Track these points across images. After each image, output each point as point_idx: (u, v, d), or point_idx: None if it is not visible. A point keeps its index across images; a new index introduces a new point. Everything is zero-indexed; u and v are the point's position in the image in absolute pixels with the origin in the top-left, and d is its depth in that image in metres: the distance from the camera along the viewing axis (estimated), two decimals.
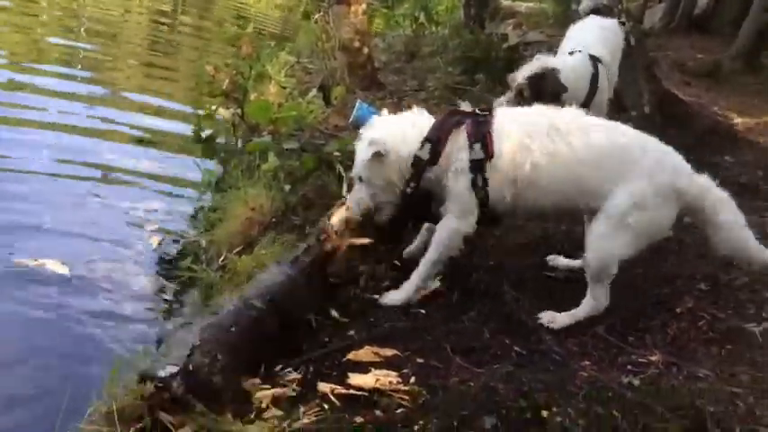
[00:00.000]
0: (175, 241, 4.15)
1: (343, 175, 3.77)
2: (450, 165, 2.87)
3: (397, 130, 2.94)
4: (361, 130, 3.06)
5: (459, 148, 2.85)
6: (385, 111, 3.22)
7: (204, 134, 4.49)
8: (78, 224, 4.20)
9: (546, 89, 3.89)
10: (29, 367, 3.01)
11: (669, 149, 2.93)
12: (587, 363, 2.63)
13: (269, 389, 2.39)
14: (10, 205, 4.24)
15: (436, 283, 3.07)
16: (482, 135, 2.82)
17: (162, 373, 2.08)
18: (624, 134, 2.90)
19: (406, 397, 2.36)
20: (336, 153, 3.85)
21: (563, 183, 2.82)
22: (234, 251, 3.47)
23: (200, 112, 4.57)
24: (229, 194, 4.02)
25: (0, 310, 3.36)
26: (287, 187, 3.91)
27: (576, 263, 3.25)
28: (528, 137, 2.80)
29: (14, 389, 2.88)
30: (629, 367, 2.61)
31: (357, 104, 4.95)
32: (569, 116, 2.91)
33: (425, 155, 2.88)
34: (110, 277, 3.71)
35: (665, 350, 2.71)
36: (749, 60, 8.83)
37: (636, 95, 5.47)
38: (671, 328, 2.85)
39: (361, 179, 3.00)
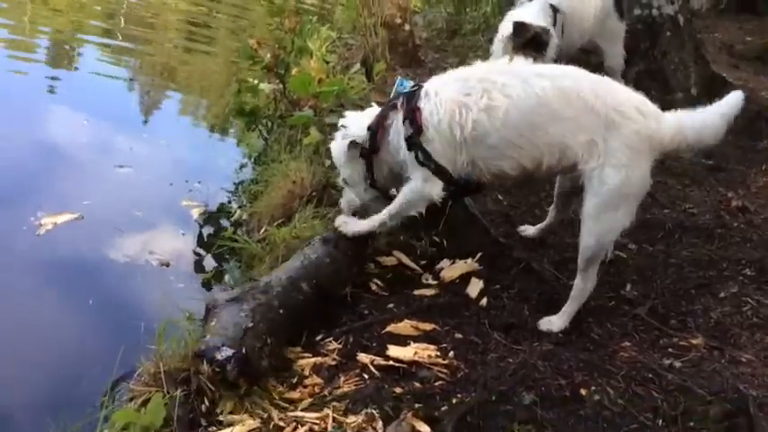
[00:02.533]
0: (217, 211, 4.21)
1: None
2: (396, 148, 2.82)
3: (360, 123, 2.93)
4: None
5: (396, 130, 2.81)
6: None
7: (246, 107, 4.53)
8: (121, 192, 4.28)
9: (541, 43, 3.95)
10: (77, 326, 3.12)
11: (626, 90, 2.66)
12: (627, 344, 2.62)
13: (310, 357, 2.43)
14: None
15: (474, 265, 3.06)
16: (411, 111, 2.73)
17: (219, 357, 2.12)
18: (570, 77, 2.62)
19: (445, 370, 2.39)
20: None
21: (515, 138, 2.60)
22: (275, 224, 3.52)
23: (242, 84, 4.56)
24: (271, 168, 4.05)
25: (47, 269, 3.46)
26: (327, 162, 3.92)
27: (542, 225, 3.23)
28: (462, 95, 2.63)
29: (67, 346, 2.97)
30: (670, 350, 2.59)
31: (398, 81, 4.91)
32: (503, 66, 2.75)
33: (366, 144, 2.88)
34: (152, 243, 3.79)
35: (707, 334, 2.68)
36: None
37: (683, 76, 5.34)
38: (714, 313, 2.82)
39: (345, 181, 3.04)
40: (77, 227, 3.75)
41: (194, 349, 2.18)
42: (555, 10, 4.31)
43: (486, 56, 4.78)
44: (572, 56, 4.59)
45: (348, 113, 3.08)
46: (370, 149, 2.89)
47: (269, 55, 5.08)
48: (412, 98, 2.77)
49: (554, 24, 4.26)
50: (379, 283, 2.96)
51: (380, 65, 5.06)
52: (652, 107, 2.60)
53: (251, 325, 2.28)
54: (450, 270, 3.04)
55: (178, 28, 9.33)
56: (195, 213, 4.17)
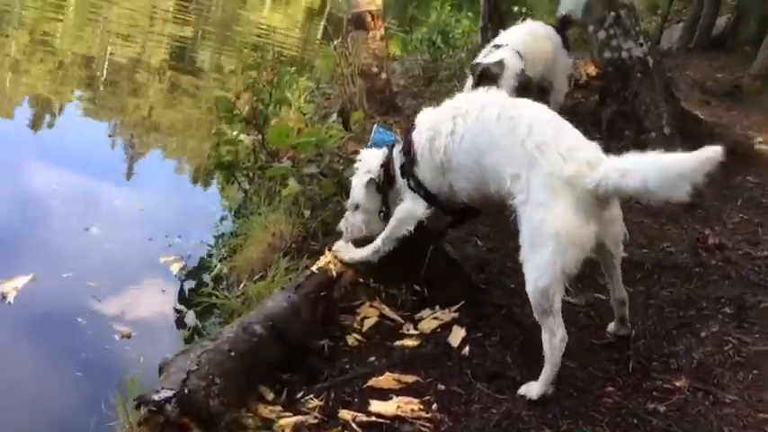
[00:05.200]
0: (197, 268, 4.18)
1: None
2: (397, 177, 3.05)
3: (375, 160, 3.15)
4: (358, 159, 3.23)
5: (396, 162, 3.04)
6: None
7: (225, 160, 4.54)
8: (101, 248, 4.24)
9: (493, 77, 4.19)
10: (46, 386, 3.06)
11: (564, 131, 2.57)
12: (611, 389, 2.61)
13: (291, 416, 2.39)
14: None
15: (454, 314, 3.05)
16: (407, 142, 2.96)
17: (156, 397, 2.09)
18: (518, 109, 2.66)
19: (429, 424, 2.36)
20: None
21: (467, 162, 2.73)
22: (254, 277, 3.50)
23: (221, 137, 4.59)
24: (250, 221, 4.04)
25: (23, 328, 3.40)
26: (307, 213, 3.93)
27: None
28: (438, 122, 2.83)
29: (34, 407, 2.92)
30: (654, 393, 2.58)
31: (374, 128, 4.98)
32: (475, 95, 2.88)
33: (380, 179, 3.08)
34: (131, 303, 3.74)
35: (690, 375, 2.67)
36: None
37: (656, 116, 5.43)
38: (696, 353, 2.81)
39: (357, 206, 3.17)
40: (47, 292, 3.69)
41: (135, 399, 2.16)
42: (519, 55, 4.50)
43: None
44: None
45: (363, 152, 3.27)
46: (386, 183, 3.08)
47: (247, 108, 5.13)
48: (409, 131, 3.00)
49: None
50: (358, 337, 2.93)
51: (357, 114, 5.12)
52: (586, 151, 2.49)
53: (195, 368, 2.28)
54: (432, 320, 3.02)
55: (161, 78, 9.43)
56: (174, 269, 4.14)
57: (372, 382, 2.56)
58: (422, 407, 2.43)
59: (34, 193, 4.90)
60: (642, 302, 3.22)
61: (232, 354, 2.41)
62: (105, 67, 9.19)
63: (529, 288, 2.50)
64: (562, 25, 5.09)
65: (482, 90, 2.90)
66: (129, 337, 3.54)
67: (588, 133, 5.54)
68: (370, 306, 3.10)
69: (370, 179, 3.08)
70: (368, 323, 3.01)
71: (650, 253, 3.64)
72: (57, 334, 3.45)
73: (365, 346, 2.89)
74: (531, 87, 4.37)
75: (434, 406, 2.46)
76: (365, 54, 5.77)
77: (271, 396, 2.45)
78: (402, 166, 2.99)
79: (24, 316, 3.51)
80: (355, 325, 2.99)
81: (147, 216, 4.82)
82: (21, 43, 9.12)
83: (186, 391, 2.16)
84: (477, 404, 2.49)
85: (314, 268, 2.99)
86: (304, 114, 6.12)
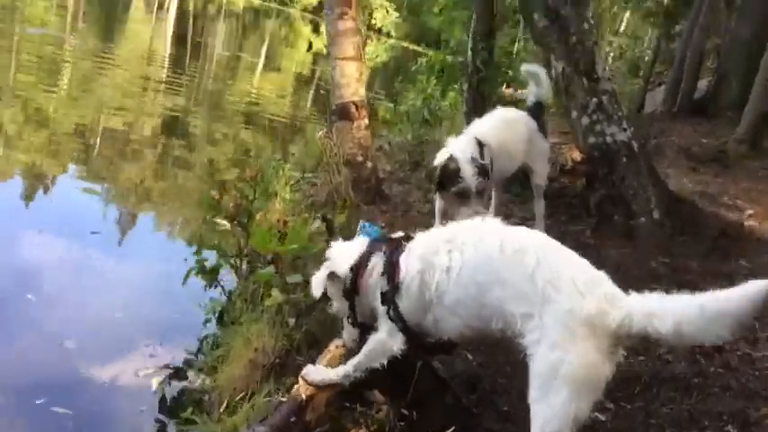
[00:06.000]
0: (179, 379, 4.02)
1: None
2: (373, 294, 2.80)
3: (344, 258, 2.92)
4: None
5: (373, 280, 2.80)
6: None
7: (207, 266, 4.46)
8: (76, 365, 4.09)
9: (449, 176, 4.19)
10: None
11: (576, 262, 2.42)
12: None
13: None
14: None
15: None
16: (391, 266, 2.72)
17: None
18: (520, 239, 2.48)
19: None
20: None
21: (464, 298, 2.52)
22: (237, 397, 3.36)
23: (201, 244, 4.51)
24: (232, 330, 3.91)
25: None
26: (291, 321, 3.81)
27: None
28: (431, 254, 2.60)
29: None
30: None
31: (360, 225, 4.92)
32: (472, 224, 2.68)
33: (348, 284, 2.86)
34: (107, 424, 3.57)
35: None
36: (754, 144, 8.77)
37: (644, 201, 5.41)
38: None
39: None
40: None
41: None
42: (480, 144, 4.45)
43: None
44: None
45: (336, 244, 3.07)
46: (351, 290, 2.87)
47: (231, 204, 5.08)
48: (395, 250, 2.76)
49: (481, 156, 4.40)
50: None
51: (341, 216, 5.06)
52: (603, 285, 2.34)
53: None
54: None
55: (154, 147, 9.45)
56: (154, 384, 3.98)
57: None
58: None
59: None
60: (642, 421, 3.09)
61: None
62: (98, 137, 9.25)
63: (535, 430, 2.32)
64: (536, 110, 5.09)
65: (477, 218, 2.73)
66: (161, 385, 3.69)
67: (578, 218, 5.65)
68: None
69: (331, 273, 2.87)
70: None
71: (647, 361, 3.51)
72: None
73: None
74: (488, 174, 4.31)
75: None
76: (350, 144, 5.77)
77: None
78: (383, 293, 2.74)
79: None
80: None
81: (127, 319, 4.66)
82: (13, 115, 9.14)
83: None
84: None
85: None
86: (290, 204, 6.09)
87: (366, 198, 5.83)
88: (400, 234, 2.90)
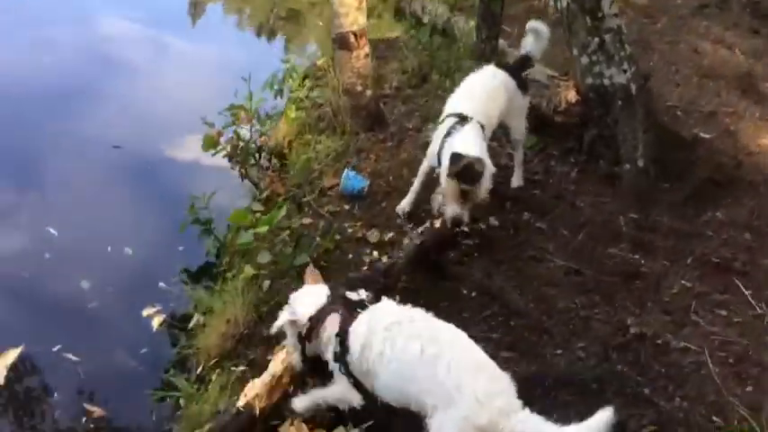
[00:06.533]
0: (173, 327, 4.72)
1: None
2: (325, 349, 3.21)
3: (306, 306, 3.29)
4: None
5: (328, 339, 3.18)
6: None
7: (201, 218, 5.00)
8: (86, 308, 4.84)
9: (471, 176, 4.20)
10: None
11: (484, 369, 2.81)
12: None
13: None
14: None
15: None
16: (345, 331, 3.10)
17: None
18: (439, 343, 2.86)
19: None
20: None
21: (393, 384, 2.96)
22: (210, 363, 4.04)
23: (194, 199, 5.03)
24: (216, 293, 4.50)
25: None
26: (266, 284, 4.39)
27: None
28: (372, 334, 2.99)
29: None
30: None
31: (345, 173, 5.27)
32: (404, 315, 3.05)
33: (303, 333, 3.25)
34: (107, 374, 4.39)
35: None
36: None
37: (632, 147, 5.43)
38: None
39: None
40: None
41: None
42: (481, 126, 4.54)
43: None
44: None
45: (301, 290, 3.46)
46: (305, 337, 3.28)
47: (229, 146, 5.50)
48: (348, 318, 3.14)
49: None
50: None
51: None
52: (500, 398, 2.69)
53: None
54: None
55: None
56: (155, 324, 4.71)
57: None
58: None
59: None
60: None
61: None
62: None
63: None
64: (520, 64, 5.09)
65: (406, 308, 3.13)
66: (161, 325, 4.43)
67: (568, 153, 5.75)
68: None
69: (291, 320, 3.29)
70: None
71: (562, 357, 3.93)
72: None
73: None
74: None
75: None
76: (349, 73, 5.89)
77: None
78: (335, 353, 3.15)
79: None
80: None
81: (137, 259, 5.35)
82: None
83: None
84: None
85: (239, 404, 3.37)
86: (294, 122, 6.41)
87: (365, 125, 6.05)
88: (357, 297, 3.26)
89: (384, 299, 3.26)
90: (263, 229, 4.26)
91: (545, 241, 4.83)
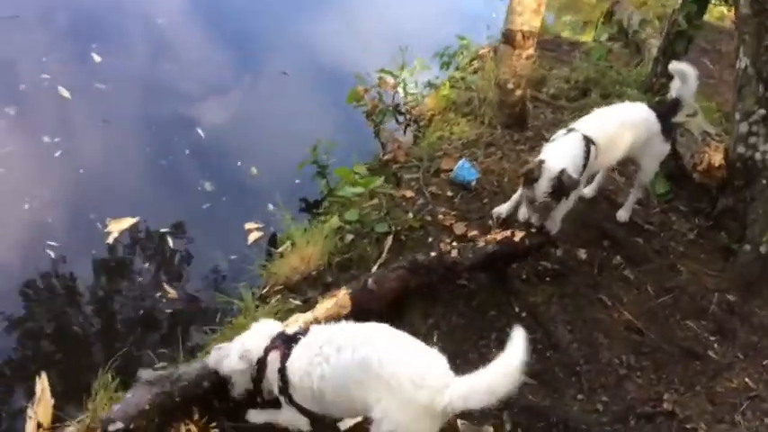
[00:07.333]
0: (270, 242, 5.26)
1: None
2: (272, 384, 3.38)
3: (256, 347, 3.40)
4: None
5: (272, 371, 3.33)
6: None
7: (320, 168, 5.49)
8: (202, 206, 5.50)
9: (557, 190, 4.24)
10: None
11: (413, 358, 2.97)
12: None
13: None
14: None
15: None
16: (284, 367, 3.26)
17: (110, 427, 3.29)
18: (367, 346, 3.00)
19: None
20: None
21: (337, 396, 3.12)
22: (275, 288, 4.53)
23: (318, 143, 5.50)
24: (304, 233, 4.89)
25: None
26: (349, 237, 4.79)
27: None
28: (307, 364, 3.16)
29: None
30: None
31: (460, 163, 5.46)
32: (331, 334, 3.19)
33: (254, 372, 3.42)
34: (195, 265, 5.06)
35: None
36: None
37: (759, 231, 5.09)
38: None
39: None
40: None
41: (100, 416, 3.35)
42: (589, 142, 4.51)
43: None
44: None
45: (249, 331, 3.52)
46: (257, 379, 3.47)
47: (370, 105, 5.88)
48: (285, 354, 3.29)
49: (587, 156, 4.49)
50: None
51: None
52: (436, 376, 2.90)
53: (147, 408, 3.33)
54: None
55: None
56: (251, 239, 5.30)
57: None
58: None
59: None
60: None
61: (177, 400, 3.44)
62: None
63: None
64: (669, 109, 4.90)
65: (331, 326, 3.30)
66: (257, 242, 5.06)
67: (694, 214, 5.53)
68: None
69: (245, 367, 3.40)
70: None
71: (581, 404, 3.98)
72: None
73: None
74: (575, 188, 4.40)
75: None
76: (505, 69, 5.99)
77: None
78: (279, 387, 3.31)
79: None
80: None
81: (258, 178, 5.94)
82: None
83: (131, 426, 3.28)
84: None
85: None
86: (443, 99, 6.65)
87: (507, 122, 6.16)
88: (292, 332, 3.42)
89: (311, 328, 3.41)
90: (359, 189, 4.62)
91: (623, 291, 4.77)
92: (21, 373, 4.11)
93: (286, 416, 3.45)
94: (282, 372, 3.28)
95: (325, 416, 3.39)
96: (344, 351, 3.08)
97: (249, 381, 3.47)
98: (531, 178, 4.29)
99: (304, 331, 3.38)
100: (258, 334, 3.45)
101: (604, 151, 4.66)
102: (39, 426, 3.63)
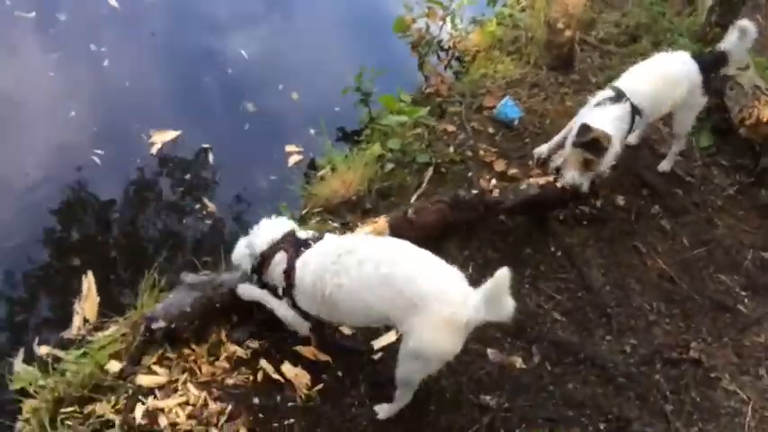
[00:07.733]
0: (309, 166, 5.32)
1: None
2: (274, 283, 3.45)
3: (262, 239, 3.46)
4: None
5: (278, 273, 3.37)
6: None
7: (363, 96, 5.44)
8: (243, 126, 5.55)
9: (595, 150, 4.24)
10: None
11: (437, 272, 3.03)
12: None
13: (234, 345, 3.64)
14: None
15: None
16: (289, 269, 3.31)
17: (153, 326, 3.41)
18: (389, 263, 3.05)
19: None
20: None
21: (354, 307, 3.17)
22: (314, 210, 4.59)
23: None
24: (345, 158, 4.93)
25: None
26: (389, 166, 4.82)
27: None
28: (322, 271, 3.19)
29: None
30: None
31: (504, 100, 5.42)
32: (352, 245, 3.21)
33: (255, 265, 3.47)
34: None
35: None
36: None
37: None
38: None
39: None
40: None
41: (144, 313, 3.49)
42: (636, 112, 4.49)
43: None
44: None
45: (263, 223, 3.56)
46: (259, 269, 3.51)
47: (416, 35, 5.81)
48: (294, 256, 3.34)
49: (632, 124, 4.51)
50: None
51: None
52: (456, 292, 2.98)
53: (188, 311, 3.48)
54: None
55: None
56: (291, 161, 5.34)
57: (298, 347, 3.67)
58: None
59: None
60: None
61: (217, 306, 3.58)
62: None
63: (398, 376, 3.25)
64: (714, 61, 4.81)
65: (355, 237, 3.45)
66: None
67: (736, 169, 5.46)
68: None
69: (250, 255, 3.48)
70: None
71: (609, 344, 4.05)
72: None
73: None
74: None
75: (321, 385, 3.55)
76: (557, 8, 5.84)
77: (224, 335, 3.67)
78: (283, 288, 3.38)
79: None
80: None
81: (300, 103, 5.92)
82: None
83: (173, 326, 3.45)
84: None
85: None
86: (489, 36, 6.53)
87: (553, 63, 6.05)
88: (304, 236, 3.44)
89: (327, 235, 3.46)
90: (403, 118, 4.61)
91: (659, 240, 4.79)
92: (69, 272, 4.25)
93: (285, 311, 3.49)
94: (288, 273, 3.33)
95: (325, 322, 3.49)
96: (366, 265, 3.11)
97: (250, 268, 3.52)
98: (599, 147, 4.25)
99: (316, 238, 3.42)
100: (267, 228, 3.50)
101: (649, 115, 4.66)
102: (85, 321, 3.79)
